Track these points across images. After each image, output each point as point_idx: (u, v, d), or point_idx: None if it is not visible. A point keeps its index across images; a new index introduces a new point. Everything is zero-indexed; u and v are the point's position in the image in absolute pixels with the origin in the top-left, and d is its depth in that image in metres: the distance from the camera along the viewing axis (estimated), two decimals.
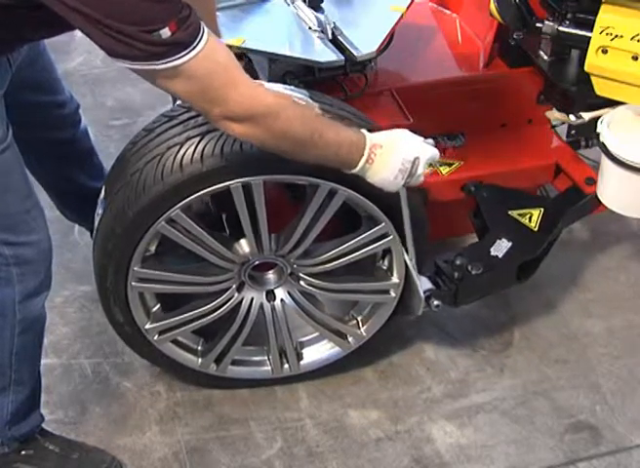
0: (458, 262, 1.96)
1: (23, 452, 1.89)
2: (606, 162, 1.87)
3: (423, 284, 1.94)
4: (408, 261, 1.90)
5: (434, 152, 1.71)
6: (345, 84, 2.01)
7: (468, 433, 2.07)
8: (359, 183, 1.68)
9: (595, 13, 1.79)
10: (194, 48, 1.37)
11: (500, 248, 1.99)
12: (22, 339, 1.77)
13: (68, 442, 1.96)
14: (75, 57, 3.35)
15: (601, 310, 2.37)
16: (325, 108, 1.72)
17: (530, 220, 2.03)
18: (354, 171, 1.62)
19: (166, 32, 1.33)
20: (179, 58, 1.36)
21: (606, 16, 1.77)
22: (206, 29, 1.39)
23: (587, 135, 2.16)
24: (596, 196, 2.00)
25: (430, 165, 1.74)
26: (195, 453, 2.02)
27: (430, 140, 1.72)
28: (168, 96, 2.31)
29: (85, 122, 2.15)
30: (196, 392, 2.14)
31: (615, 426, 2.08)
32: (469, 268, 1.95)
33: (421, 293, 1.92)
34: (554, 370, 2.21)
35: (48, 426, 1.97)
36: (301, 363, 2.11)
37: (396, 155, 1.63)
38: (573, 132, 2.18)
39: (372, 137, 1.63)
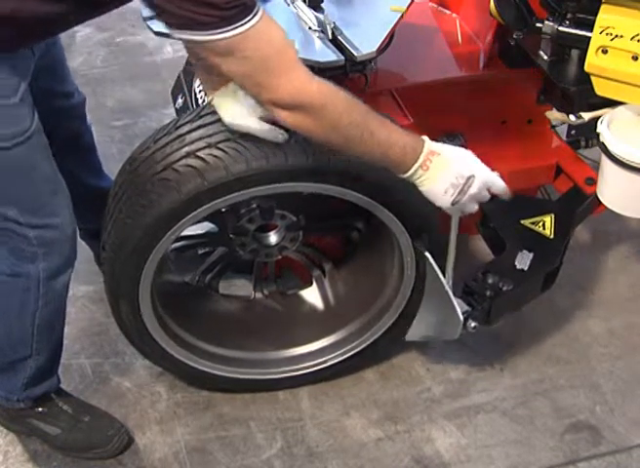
0: (489, 280, 1.89)
1: (38, 409, 1.96)
2: (606, 162, 1.87)
3: (459, 306, 1.87)
4: (445, 285, 1.84)
5: (495, 179, 1.65)
6: (346, 84, 2.00)
7: (468, 433, 2.07)
8: None
9: (595, 13, 1.78)
10: (255, 14, 1.36)
11: (524, 260, 1.93)
12: (45, 312, 1.80)
13: (83, 404, 2.03)
14: (75, 57, 3.35)
15: (601, 310, 2.37)
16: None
17: (544, 228, 2.00)
18: (406, 175, 1.59)
19: None
20: (241, 24, 1.35)
21: (606, 16, 1.77)
22: (261, 6, 1.38)
23: (587, 135, 2.16)
24: (596, 196, 2.00)
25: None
26: (195, 453, 2.03)
27: (496, 173, 1.67)
28: (169, 96, 2.34)
29: (89, 118, 2.15)
30: (196, 392, 2.15)
31: (615, 426, 2.08)
32: (501, 285, 1.89)
33: (460, 316, 1.86)
34: (554, 370, 2.21)
35: None
36: None
37: (452, 167, 1.59)
38: (573, 132, 2.17)
39: (430, 145, 1.59)
